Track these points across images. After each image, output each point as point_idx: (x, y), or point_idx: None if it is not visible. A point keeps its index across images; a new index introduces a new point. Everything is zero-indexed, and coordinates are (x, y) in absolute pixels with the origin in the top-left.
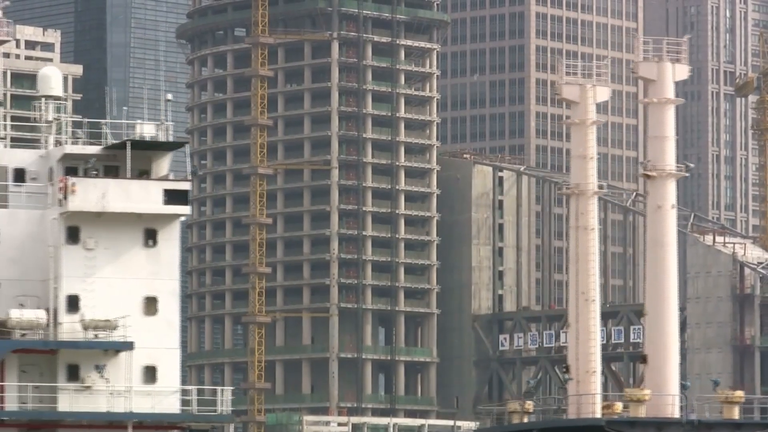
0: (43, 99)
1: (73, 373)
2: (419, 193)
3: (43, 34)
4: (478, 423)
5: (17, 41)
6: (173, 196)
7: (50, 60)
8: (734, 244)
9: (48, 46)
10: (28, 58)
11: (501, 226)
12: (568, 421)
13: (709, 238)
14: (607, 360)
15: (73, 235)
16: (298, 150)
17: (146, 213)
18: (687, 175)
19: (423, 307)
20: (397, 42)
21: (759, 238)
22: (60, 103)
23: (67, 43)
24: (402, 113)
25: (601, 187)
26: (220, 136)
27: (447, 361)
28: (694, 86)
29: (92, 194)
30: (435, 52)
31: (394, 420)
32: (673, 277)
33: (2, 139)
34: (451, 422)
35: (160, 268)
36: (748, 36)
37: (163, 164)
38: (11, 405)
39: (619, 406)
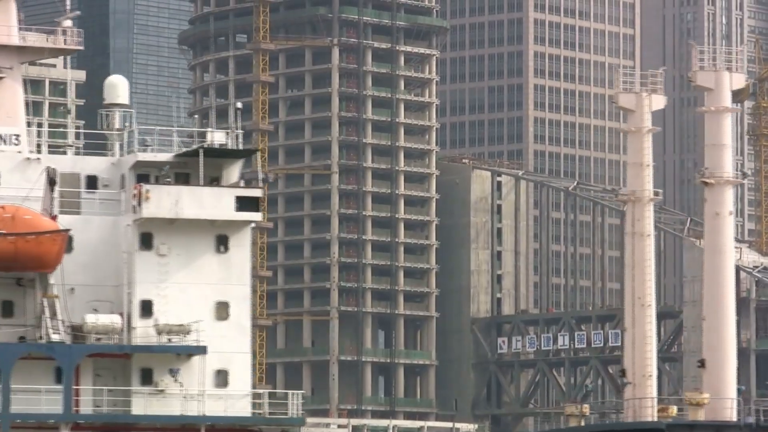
0: (115, 110)
1: (147, 377)
2: (419, 198)
3: (47, 41)
4: (476, 425)
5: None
6: (245, 203)
7: (54, 66)
8: None
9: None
10: (32, 63)
11: (499, 230)
12: (628, 425)
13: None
14: (604, 363)
15: (146, 242)
16: (298, 155)
17: (218, 219)
18: (743, 181)
19: (422, 310)
20: (397, 48)
21: (755, 242)
22: (127, 111)
23: None
24: (402, 118)
25: (656, 194)
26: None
27: (446, 363)
28: (691, 92)
29: (166, 201)
30: (434, 58)
31: (394, 422)
32: (730, 283)
33: (70, 146)
34: (450, 424)
35: (232, 274)
36: (744, 42)
37: (234, 171)
38: (86, 408)
39: (673, 409)
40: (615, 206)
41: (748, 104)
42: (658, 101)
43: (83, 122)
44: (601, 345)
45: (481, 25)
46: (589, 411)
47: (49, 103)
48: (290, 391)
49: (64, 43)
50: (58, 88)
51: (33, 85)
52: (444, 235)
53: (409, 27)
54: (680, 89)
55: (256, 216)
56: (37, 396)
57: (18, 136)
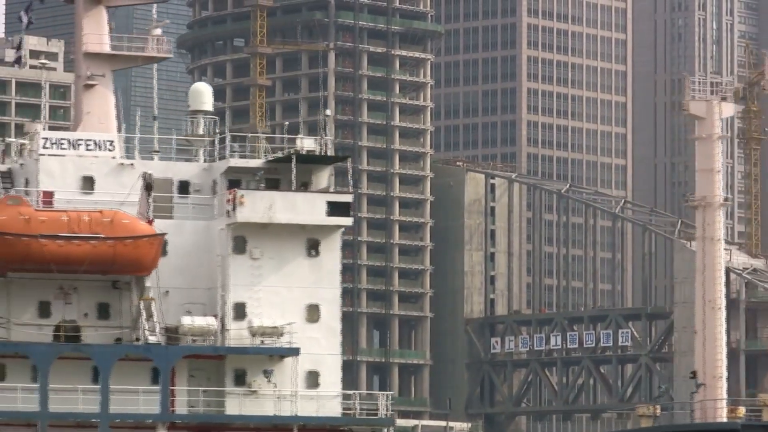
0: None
1: (240, 378)
2: (413, 200)
3: (48, 44)
4: (470, 424)
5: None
6: (336, 208)
7: (54, 69)
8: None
9: (52, 56)
10: (32, 67)
11: (493, 231)
12: (702, 425)
13: (695, 244)
14: (596, 363)
15: (239, 245)
16: None
17: (310, 224)
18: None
19: (417, 310)
20: (392, 52)
21: (745, 244)
22: (211, 118)
23: (70, 52)
24: (397, 122)
25: (726, 199)
26: (219, 143)
27: (440, 363)
28: (682, 96)
29: (259, 206)
30: (429, 62)
31: None
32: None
33: (157, 152)
34: (443, 423)
35: (322, 277)
36: (734, 47)
37: (323, 177)
38: (181, 408)
39: (742, 410)
40: (607, 208)
41: (738, 108)
42: (728, 109)
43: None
44: (593, 345)
45: (475, 29)
46: (660, 411)
47: (50, 106)
48: (380, 392)
49: (154, 51)
50: (59, 90)
51: (33, 87)
52: (438, 236)
53: (404, 31)
54: (671, 93)
55: (347, 221)
56: (134, 396)
57: (112, 142)
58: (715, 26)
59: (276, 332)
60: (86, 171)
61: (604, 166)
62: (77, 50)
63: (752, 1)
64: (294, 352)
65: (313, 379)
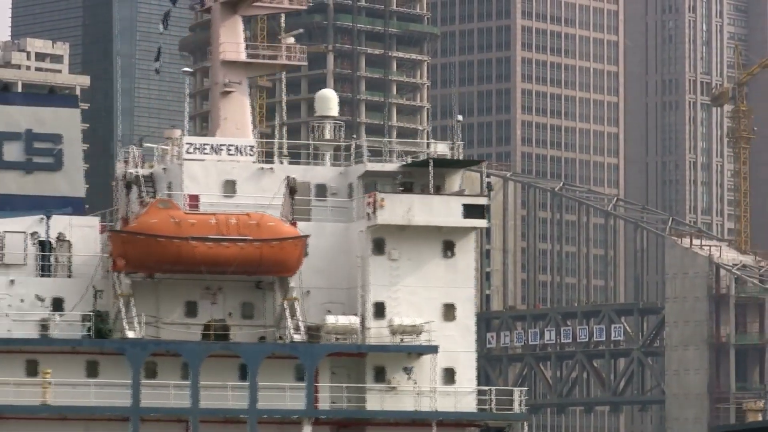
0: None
1: (380, 375)
2: None
3: (53, 47)
4: None
5: (27, 53)
6: (471, 210)
7: (59, 71)
8: (710, 246)
9: (57, 58)
10: (38, 69)
11: (488, 229)
12: None
13: (686, 241)
14: (589, 357)
15: (379, 247)
16: (295, 157)
17: (446, 226)
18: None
19: None
20: (390, 54)
21: (734, 240)
22: (338, 123)
23: (75, 54)
24: (394, 122)
25: None
26: None
27: None
28: (672, 96)
29: (399, 209)
30: (425, 63)
31: None
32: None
33: (286, 156)
34: None
35: (457, 277)
36: (724, 48)
37: (455, 180)
38: (324, 404)
39: None
40: (599, 206)
41: (728, 108)
42: None
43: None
44: (586, 340)
45: (470, 31)
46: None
47: None
48: (515, 388)
49: (288, 59)
50: (63, 92)
51: (38, 89)
52: None
53: (401, 34)
54: (662, 93)
55: (482, 223)
56: (281, 393)
57: (252, 147)
58: (704, 28)
59: (416, 330)
60: (228, 175)
61: (596, 165)
62: (214, 58)
63: (741, 3)
64: (433, 349)
65: (449, 375)
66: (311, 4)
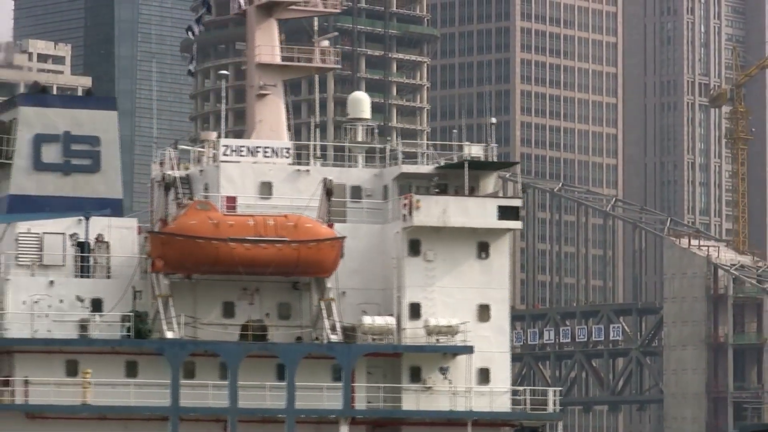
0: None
1: (415, 375)
2: None
3: (55, 48)
4: None
5: (30, 54)
6: (506, 212)
7: (61, 72)
8: (708, 247)
9: (59, 59)
10: (40, 70)
11: None
12: None
13: (684, 241)
14: (587, 357)
15: (414, 248)
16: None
17: (481, 227)
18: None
19: None
20: (390, 55)
21: (732, 241)
22: (369, 125)
23: (77, 56)
24: (394, 123)
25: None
26: None
27: None
28: (671, 97)
29: (434, 210)
30: (425, 64)
31: None
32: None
33: (319, 158)
34: None
35: (492, 278)
36: (722, 50)
37: (489, 182)
38: (360, 404)
39: None
40: (598, 207)
41: (726, 109)
42: None
43: None
44: (585, 339)
45: (470, 33)
46: None
47: None
48: (550, 388)
49: (322, 62)
50: (66, 93)
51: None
52: None
53: (401, 35)
54: (661, 94)
55: (517, 224)
56: (318, 393)
57: (288, 149)
58: (703, 30)
59: (451, 331)
60: (264, 177)
61: (595, 166)
62: (249, 61)
63: (739, 5)
64: (468, 350)
65: (484, 375)
66: (345, 7)
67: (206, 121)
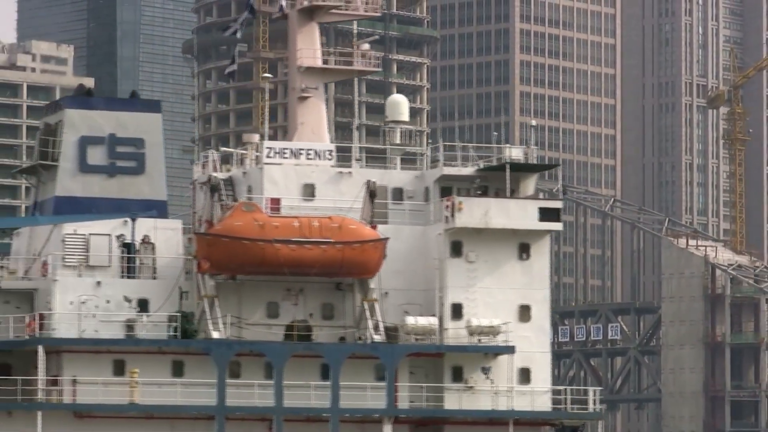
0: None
1: (458, 375)
2: None
3: (57, 49)
4: None
5: (33, 55)
6: (547, 214)
7: (64, 73)
8: (706, 247)
9: (62, 61)
10: (43, 71)
11: None
12: None
13: (682, 242)
14: (586, 356)
15: (456, 249)
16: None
17: (522, 229)
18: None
19: None
20: (390, 57)
21: (729, 241)
22: (408, 128)
23: (79, 57)
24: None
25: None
26: (223, 145)
27: None
28: (669, 98)
29: (476, 212)
30: (425, 66)
31: None
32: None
33: (358, 160)
34: None
35: (533, 279)
36: (720, 51)
37: (530, 184)
38: (403, 403)
39: None
40: (597, 207)
41: (723, 110)
42: None
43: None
44: (584, 339)
45: (469, 35)
46: None
47: None
48: (590, 388)
49: (362, 65)
50: (68, 94)
51: (43, 91)
52: None
53: (401, 37)
54: (659, 95)
55: (557, 226)
56: (361, 392)
57: (331, 151)
58: (701, 31)
59: (493, 331)
60: (307, 179)
61: (594, 166)
62: (291, 64)
63: (737, 6)
64: (510, 350)
65: (525, 375)
66: (385, 12)
67: (208, 121)
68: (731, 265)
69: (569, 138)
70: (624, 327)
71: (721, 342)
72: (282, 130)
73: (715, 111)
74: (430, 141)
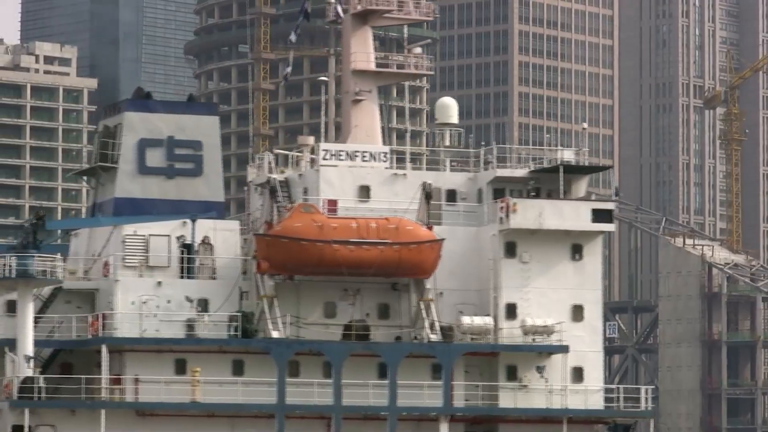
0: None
1: (512, 373)
2: None
3: (61, 50)
4: None
5: (36, 56)
6: (599, 215)
7: (67, 74)
8: (703, 246)
9: (65, 61)
10: (46, 72)
11: None
12: None
13: (679, 241)
14: None
15: (510, 250)
16: None
17: (574, 230)
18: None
19: None
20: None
21: (726, 240)
22: (457, 130)
23: (82, 58)
24: (394, 124)
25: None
26: (224, 145)
27: None
28: (666, 99)
29: (531, 213)
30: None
31: None
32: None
33: (412, 161)
34: None
35: (585, 280)
36: (716, 53)
37: (581, 186)
38: (459, 402)
39: None
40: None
41: (720, 110)
42: None
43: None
44: None
45: (469, 36)
46: None
47: (63, 109)
48: (642, 386)
49: (415, 68)
50: (71, 94)
51: (47, 91)
52: None
53: (400, 38)
54: (656, 96)
55: (610, 227)
56: (418, 391)
57: (386, 153)
58: (697, 32)
59: (547, 331)
60: (363, 180)
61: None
62: (345, 67)
63: (733, 8)
64: (564, 349)
65: (578, 374)
66: (437, 17)
67: None
68: (728, 264)
69: (567, 138)
70: (621, 325)
71: (718, 340)
72: (283, 130)
73: (711, 111)
74: (430, 141)
